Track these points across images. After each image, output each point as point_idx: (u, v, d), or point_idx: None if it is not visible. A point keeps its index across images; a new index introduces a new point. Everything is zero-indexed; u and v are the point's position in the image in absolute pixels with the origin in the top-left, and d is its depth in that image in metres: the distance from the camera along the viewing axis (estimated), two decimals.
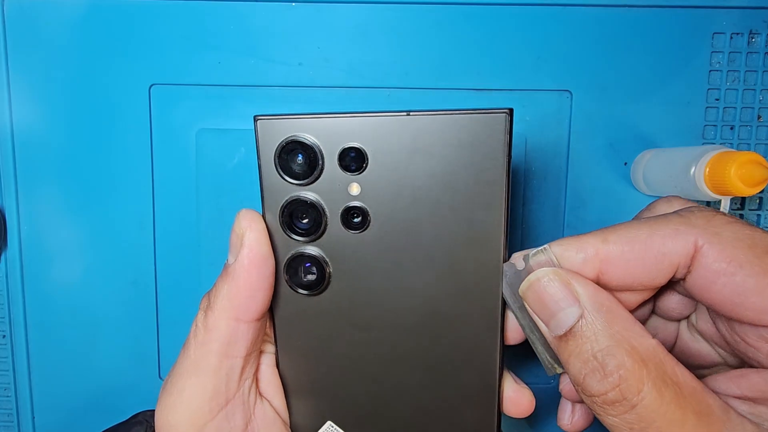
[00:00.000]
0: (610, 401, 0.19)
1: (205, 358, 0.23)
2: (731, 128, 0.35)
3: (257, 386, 0.25)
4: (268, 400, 0.25)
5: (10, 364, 0.37)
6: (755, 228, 0.20)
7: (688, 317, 0.25)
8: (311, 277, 0.24)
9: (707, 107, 0.35)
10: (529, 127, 0.35)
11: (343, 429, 0.26)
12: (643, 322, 0.24)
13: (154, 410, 0.33)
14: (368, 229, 0.23)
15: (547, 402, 0.38)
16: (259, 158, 0.23)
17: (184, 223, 0.36)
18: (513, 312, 0.23)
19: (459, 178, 0.23)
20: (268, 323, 0.25)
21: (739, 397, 0.20)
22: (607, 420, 0.19)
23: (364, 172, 0.23)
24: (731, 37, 0.34)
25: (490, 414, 0.25)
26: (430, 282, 0.24)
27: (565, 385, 0.25)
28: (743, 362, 0.22)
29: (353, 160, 0.23)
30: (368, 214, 0.23)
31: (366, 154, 0.23)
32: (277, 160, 0.23)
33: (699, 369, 0.24)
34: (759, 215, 0.36)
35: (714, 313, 0.22)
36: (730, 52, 0.35)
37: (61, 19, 0.34)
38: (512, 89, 0.35)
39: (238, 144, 0.35)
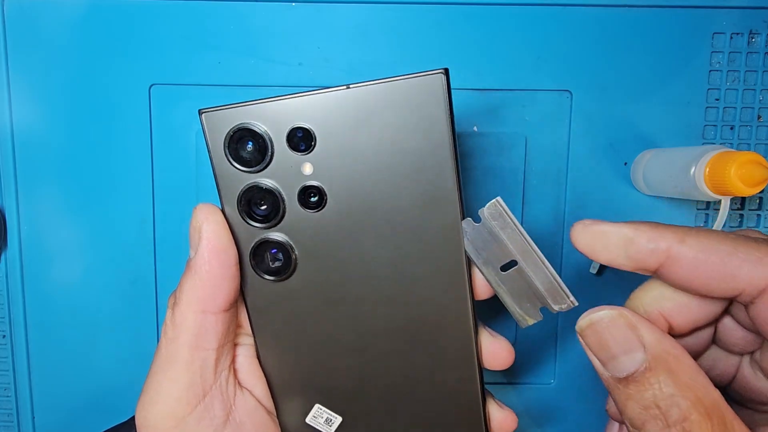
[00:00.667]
0: None
1: (176, 353, 0.23)
2: (731, 128, 0.35)
3: (236, 377, 0.25)
4: (248, 390, 0.26)
5: (10, 364, 0.37)
6: None
7: (752, 353, 0.23)
8: (278, 263, 0.24)
9: (707, 107, 0.35)
10: (529, 127, 0.35)
11: (331, 409, 0.26)
12: (703, 351, 0.24)
13: None
14: (326, 206, 0.24)
15: (547, 400, 0.38)
16: (209, 151, 0.23)
17: (184, 223, 0.36)
18: (479, 268, 0.24)
19: (406, 144, 0.23)
20: (240, 314, 0.25)
21: None
22: None
23: (314, 151, 0.23)
24: (731, 37, 0.34)
25: (471, 372, 0.26)
26: (394, 249, 0.24)
27: (612, 406, 0.25)
28: None
29: (301, 140, 0.23)
30: (324, 192, 0.23)
31: (313, 133, 0.23)
32: (227, 150, 0.23)
33: (760, 406, 0.23)
34: (759, 215, 0.36)
35: None
36: (730, 52, 0.35)
37: (61, 19, 0.34)
38: (512, 89, 0.35)
39: None
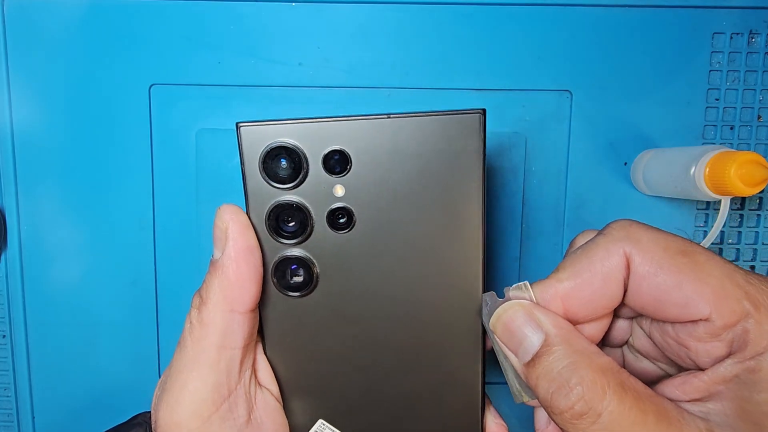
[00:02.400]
0: (578, 414, 0.20)
1: (203, 353, 0.23)
2: (731, 128, 0.35)
3: (256, 376, 0.26)
4: (267, 389, 0.26)
5: (10, 364, 0.37)
6: (665, 232, 0.22)
7: (627, 342, 0.26)
8: (299, 279, 0.25)
9: (707, 107, 0.35)
10: (529, 127, 0.35)
11: (334, 426, 0.26)
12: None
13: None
14: (353, 229, 0.24)
15: None
16: (243, 165, 0.24)
17: (184, 223, 0.36)
18: (489, 336, 0.24)
19: (438, 176, 0.24)
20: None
21: (687, 402, 0.21)
22: None
23: (348, 174, 0.23)
24: (731, 37, 0.34)
25: (474, 404, 0.26)
26: (414, 278, 0.25)
27: (540, 426, 0.26)
28: (681, 369, 0.24)
29: (337, 162, 0.23)
30: (353, 215, 0.24)
31: (350, 157, 0.23)
32: (261, 166, 0.23)
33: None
34: (759, 215, 0.36)
35: (650, 320, 0.24)
36: (730, 52, 0.35)
37: (61, 19, 0.34)
38: (512, 89, 0.35)
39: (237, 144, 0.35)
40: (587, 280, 0.22)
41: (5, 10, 0.34)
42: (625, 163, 0.35)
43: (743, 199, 0.36)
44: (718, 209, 0.30)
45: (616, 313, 0.24)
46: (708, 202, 0.36)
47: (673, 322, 0.22)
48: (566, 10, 0.34)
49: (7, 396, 0.38)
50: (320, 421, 0.26)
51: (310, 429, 0.26)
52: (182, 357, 0.23)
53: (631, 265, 0.22)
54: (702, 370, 0.21)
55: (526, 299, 0.23)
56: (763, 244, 0.36)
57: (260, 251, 0.24)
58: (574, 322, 0.23)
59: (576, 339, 0.22)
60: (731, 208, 0.36)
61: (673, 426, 0.19)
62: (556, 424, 0.21)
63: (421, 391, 0.26)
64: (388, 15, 0.34)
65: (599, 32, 0.34)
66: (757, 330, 0.19)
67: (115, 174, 0.35)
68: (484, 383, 0.26)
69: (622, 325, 0.26)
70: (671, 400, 0.21)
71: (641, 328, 0.25)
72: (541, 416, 0.26)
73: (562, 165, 0.35)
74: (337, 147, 0.23)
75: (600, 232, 0.23)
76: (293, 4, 0.34)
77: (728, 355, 0.20)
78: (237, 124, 0.23)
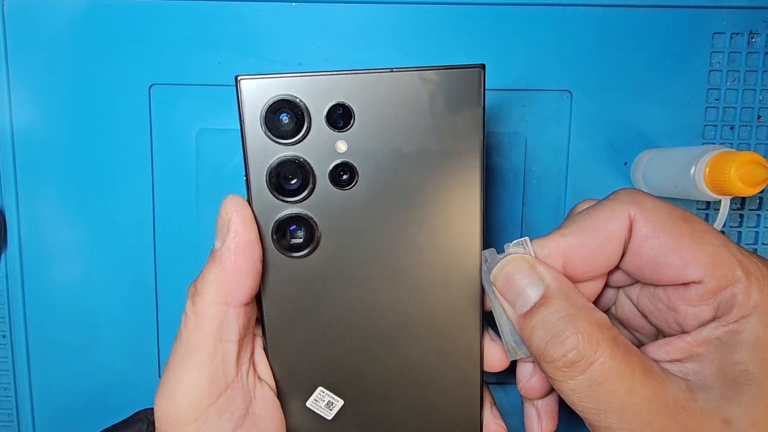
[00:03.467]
0: (570, 362, 0.21)
1: (199, 345, 0.23)
2: (731, 128, 0.35)
3: (254, 369, 0.25)
4: (267, 383, 0.26)
5: (10, 364, 0.37)
6: (668, 202, 0.23)
7: (608, 311, 0.28)
8: (299, 240, 0.24)
9: (707, 107, 0.35)
10: (529, 127, 0.35)
11: (334, 393, 0.26)
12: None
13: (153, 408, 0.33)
14: (356, 185, 0.24)
15: None
16: (242, 120, 0.23)
17: (184, 223, 0.36)
18: (487, 294, 0.25)
19: (439, 131, 0.23)
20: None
21: (668, 362, 0.22)
22: (567, 385, 0.21)
23: (351, 129, 0.23)
24: (731, 37, 0.34)
25: (473, 369, 0.26)
26: (415, 237, 0.24)
27: (525, 384, 0.26)
28: (657, 338, 0.25)
29: (340, 117, 0.23)
30: (356, 171, 0.23)
31: (353, 111, 0.23)
32: (263, 121, 0.23)
33: (634, 332, 0.27)
34: (759, 215, 0.36)
35: (641, 286, 0.25)
36: (730, 52, 0.35)
37: (61, 19, 0.34)
38: (512, 89, 0.35)
39: (238, 144, 0.35)
40: (591, 236, 0.23)
41: (5, 10, 0.34)
42: (625, 163, 0.35)
43: (743, 199, 0.36)
44: (718, 209, 0.30)
45: (606, 282, 0.25)
46: (708, 202, 0.36)
47: (665, 285, 0.23)
48: (566, 10, 0.34)
49: (7, 396, 0.38)
50: (320, 388, 0.26)
51: (309, 396, 0.26)
52: (178, 349, 0.23)
53: (634, 226, 0.22)
54: (684, 333, 0.22)
55: (527, 254, 0.23)
56: (763, 244, 0.36)
57: (260, 246, 0.23)
58: (572, 280, 0.23)
59: (574, 294, 0.22)
60: (731, 208, 0.36)
61: (657, 381, 0.20)
62: (545, 373, 0.22)
63: (421, 356, 0.26)
64: (387, 15, 0.34)
65: (599, 32, 0.34)
66: (745, 296, 0.20)
67: (115, 174, 0.35)
68: (482, 347, 0.26)
69: (607, 293, 0.27)
70: (652, 360, 0.22)
71: (628, 297, 0.26)
72: (524, 369, 0.27)
73: (562, 165, 0.35)
74: (340, 101, 0.23)
75: (606, 197, 0.24)
76: (293, 4, 0.34)
77: (713, 319, 0.21)
78: (236, 77, 0.23)
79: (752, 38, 0.34)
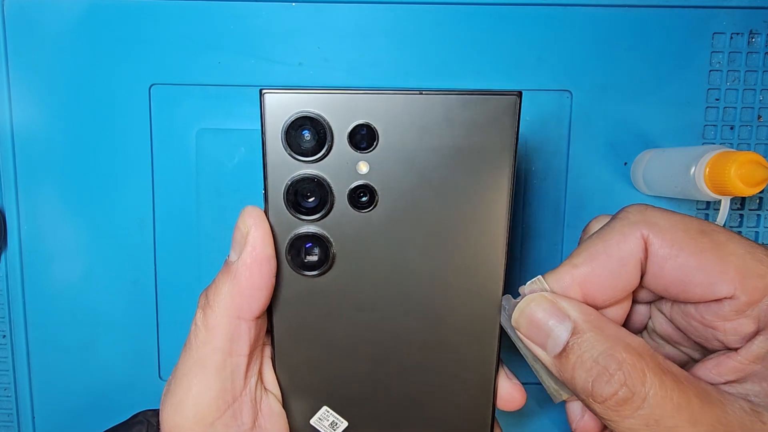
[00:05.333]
0: (622, 400, 0.19)
1: (208, 357, 0.22)
2: (731, 128, 0.35)
3: (262, 380, 0.25)
4: (273, 393, 0.25)
5: (10, 364, 0.37)
6: (682, 214, 0.22)
7: (646, 327, 0.26)
8: (314, 258, 0.24)
9: (707, 107, 0.35)
10: (529, 127, 0.35)
11: (339, 413, 0.26)
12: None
13: (154, 410, 0.33)
14: (375, 209, 0.23)
15: (540, 398, 0.38)
16: (264, 134, 0.22)
17: (184, 223, 0.36)
18: (514, 342, 0.24)
19: (466, 161, 0.23)
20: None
21: (723, 384, 0.21)
22: (623, 425, 0.19)
23: (374, 151, 0.22)
24: (731, 37, 0.34)
25: (486, 400, 0.25)
26: (433, 266, 0.24)
27: (578, 424, 0.25)
28: (705, 352, 0.23)
29: (364, 137, 0.22)
30: (376, 194, 0.23)
31: (377, 132, 0.22)
32: (284, 136, 0.22)
33: (677, 345, 0.26)
34: (759, 215, 0.36)
35: (671, 303, 0.24)
36: (730, 52, 0.35)
37: (61, 19, 0.34)
38: (512, 89, 0.35)
39: (238, 144, 0.35)
40: (603, 263, 0.22)
41: (5, 10, 0.34)
42: (625, 163, 0.35)
43: (743, 199, 0.36)
44: (718, 209, 0.30)
45: (633, 298, 0.24)
46: (708, 202, 0.36)
47: (696, 303, 0.21)
48: (566, 10, 0.34)
49: (7, 396, 0.38)
50: (324, 407, 0.26)
51: (314, 414, 0.26)
52: (187, 360, 0.23)
53: (649, 248, 0.21)
54: (731, 349, 0.21)
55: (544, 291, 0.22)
56: (763, 243, 0.36)
57: (276, 261, 0.23)
58: (596, 307, 0.22)
59: (605, 323, 0.21)
60: (731, 208, 0.36)
61: (717, 407, 0.19)
62: (596, 414, 0.20)
63: (431, 385, 0.25)
64: (387, 15, 0.34)
65: (599, 32, 0.34)
66: None
67: (115, 174, 0.35)
68: (496, 382, 0.25)
69: (640, 310, 0.25)
70: (706, 382, 0.21)
71: (661, 312, 0.25)
72: (573, 409, 0.25)
73: (562, 165, 0.35)
74: (364, 121, 0.22)
75: (614, 217, 0.23)
76: (293, 4, 0.34)
77: (758, 332, 0.20)
78: (261, 90, 0.22)
79: (752, 38, 0.34)
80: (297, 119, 0.22)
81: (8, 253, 0.36)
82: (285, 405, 0.26)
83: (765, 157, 0.30)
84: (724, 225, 0.30)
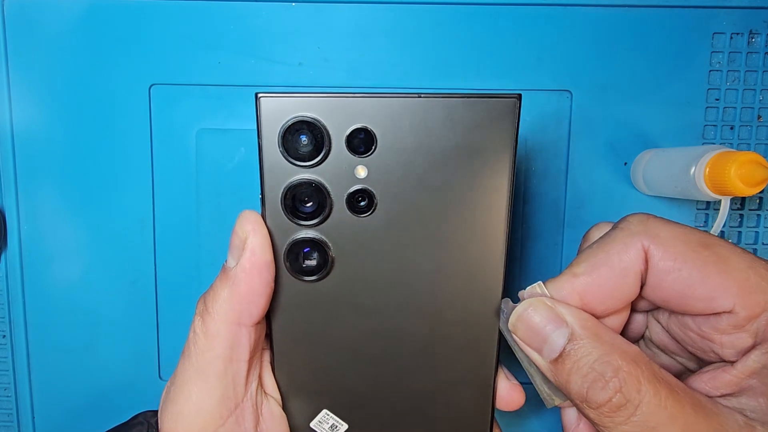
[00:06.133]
0: (616, 406, 0.19)
1: (209, 365, 0.22)
2: (731, 128, 0.35)
3: (262, 385, 0.25)
4: (272, 397, 0.25)
5: (10, 364, 0.37)
6: (683, 225, 0.22)
7: (643, 336, 0.26)
8: (312, 263, 0.23)
9: (707, 107, 0.35)
10: (529, 127, 0.35)
11: (339, 416, 0.26)
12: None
13: (154, 411, 0.32)
14: (373, 213, 0.23)
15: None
16: (260, 138, 0.22)
17: (184, 223, 0.36)
18: (511, 347, 0.24)
19: (465, 165, 0.22)
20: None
21: (719, 397, 0.21)
22: (618, 430, 0.20)
23: (372, 155, 0.22)
24: (731, 37, 0.34)
25: (485, 402, 0.25)
26: (432, 271, 0.24)
27: (573, 431, 0.25)
28: (701, 363, 0.23)
29: (362, 141, 0.22)
30: (374, 198, 0.23)
31: (375, 136, 0.22)
32: (280, 141, 0.22)
33: (672, 354, 0.26)
34: (759, 215, 0.36)
35: (669, 314, 0.24)
36: (730, 52, 0.35)
37: (61, 19, 0.34)
38: (512, 89, 0.35)
39: (238, 144, 0.35)
40: (604, 274, 0.22)
41: (5, 10, 0.34)
42: (625, 163, 0.35)
43: (743, 199, 0.36)
44: (718, 209, 0.30)
45: (632, 307, 0.24)
46: (708, 202, 0.36)
47: (695, 315, 0.21)
48: (566, 10, 0.34)
49: (7, 396, 0.38)
50: (324, 410, 0.26)
51: (314, 418, 0.26)
52: (187, 367, 0.23)
53: (650, 259, 0.21)
54: (726, 362, 0.21)
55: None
56: (763, 244, 0.36)
57: (275, 266, 0.23)
58: (594, 316, 0.22)
59: (602, 330, 0.21)
60: (731, 208, 0.36)
61: (712, 419, 0.19)
62: (590, 419, 0.21)
63: (431, 388, 0.25)
64: (387, 15, 0.34)
65: (599, 32, 0.34)
66: None
67: (115, 174, 0.35)
68: (495, 388, 0.25)
69: (637, 319, 0.25)
70: (701, 393, 0.21)
71: (658, 321, 0.25)
72: (569, 416, 0.26)
73: (562, 165, 0.35)
74: (362, 125, 0.22)
75: (615, 226, 0.23)
76: (293, 4, 0.34)
77: (754, 346, 0.20)
78: (257, 94, 0.22)
79: (752, 38, 0.34)
80: (293, 124, 0.22)
81: (8, 253, 0.36)
82: (285, 408, 0.26)
83: (765, 157, 0.30)
84: (724, 225, 0.30)
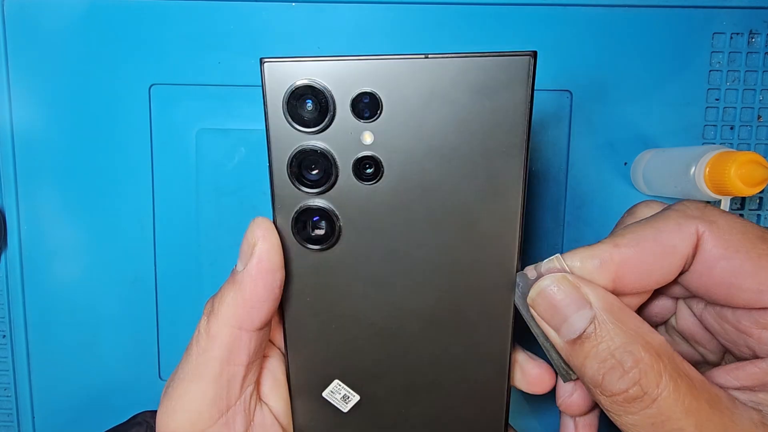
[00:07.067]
0: (632, 398, 0.19)
1: (206, 365, 0.22)
2: (731, 128, 0.35)
3: (258, 391, 0.25)
4: (267, 405, 0.25)
5: (10, 364, 0.37)
6: (743, 218, 0.21)
7: (666, 321, 0.25)
8: (320, 232, 0.23)
9: (707, 107, 0.35)
10: None
11: (350, 387, 0.25)
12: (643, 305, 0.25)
13: (153, 411, 0.33)
14: (381, 180, 0.22)
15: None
16: (265, 105, 0.22)
17: (184, 223, 0.36)
18: (526, 320, 0.23)
19: (477, 126, 0.21)
20: (271, 332, 0.25)
21: (737, 389, 0.20)
22: (627, 419, 0.19)
23: (378, 120, 0.22)
24: (731, 37, 0.34)
25: (501, 374, 0.25)
26: (445, 236, 0.23)
27: (565, 400, 0.25)
28: (724, 355, 0.23)
29: (367, 106, 0.21)
30: (381, 165, 0.22)
31: (381, 101, 0.21)
32: (285, 107, 0.21)
33: (695, 345, 0.25)
34: (759, 215, 0.36)
35: (705, 303, 0.23)
36: (730, 52, 0.35)
37: (61, 19, 0.34)
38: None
39: (238, 144, 0.35)
40: (649, 249, 0.21)
41: (5, 10, 0.34)
42: (625, 163, 0.35)
43: (743, 199, 0.36)
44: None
45: (662, 291, 0.23)
46: (708, 202, 0.36)
47: (738, 308, 0.21)
48: (566, 10, 0.34)
49: (7, 396, 0.38)
50: (336, 381, 0.25)
51: (325, 388, 0.25)
52: (186, 365, 0.23)
53: (702, 244, 0.20)
54: (757, 358, 0.21)
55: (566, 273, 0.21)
56: None
57: (283, 273, 0.22)
58: (618, 294, 0.21)
59: (627, 316, 0.20)
60: (731, 208, 0.36)
61: (726, 415, 0.19)
62: (600, 404, 0.20)
63: (444, 359, 0.24)
64: (387, 15, 0.34)
65: (599, 32, 0.34)
66: None
67: (115, 174, 0.35)
68: (510, 357, 0.25)
69: (665, 303, 0.25)
70: (720, 385, 0.20)
71: (690, 309, 0.24)
72: (564, 385, 0.25)
73: (562, 165, 0.35)
74: (367, 89, 0.21)
75: (669, 207, 0.22)
76: (293, 4, 0.34)
77: None
78: (261, 59, 0.21)
79: (752, 38, 0.34)
80: (297, 88, 0.21)
81: (8, 253, 0.36)
82: (294, 381, 0.25)
83: (765, 157, 0.30)
84: None
